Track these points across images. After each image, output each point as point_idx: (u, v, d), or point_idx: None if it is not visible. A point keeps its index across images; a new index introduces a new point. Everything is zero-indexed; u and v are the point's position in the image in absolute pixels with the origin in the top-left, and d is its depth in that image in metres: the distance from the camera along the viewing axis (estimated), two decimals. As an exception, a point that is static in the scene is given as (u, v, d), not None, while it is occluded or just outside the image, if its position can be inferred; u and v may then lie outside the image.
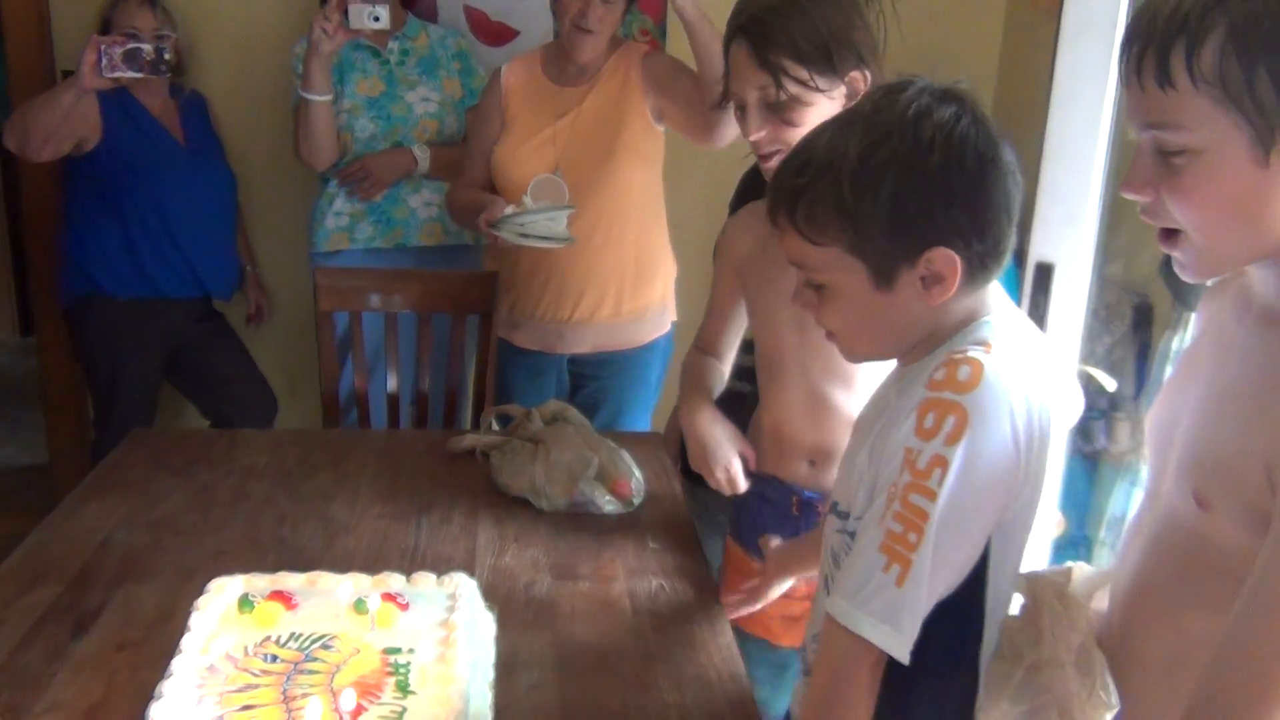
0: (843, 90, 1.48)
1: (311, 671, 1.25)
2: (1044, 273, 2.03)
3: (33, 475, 3.63)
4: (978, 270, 1.06)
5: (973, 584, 1.06)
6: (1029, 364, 1.06)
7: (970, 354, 1.02)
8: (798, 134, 1.45)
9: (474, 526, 1.77)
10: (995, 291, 1.12)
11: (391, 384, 2.46)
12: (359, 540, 1.70)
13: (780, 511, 1.64)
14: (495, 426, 2.09)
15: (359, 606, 1.37)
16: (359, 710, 1.18)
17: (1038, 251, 2.04)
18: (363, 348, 2.45)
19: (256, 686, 1.22)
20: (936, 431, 1.00)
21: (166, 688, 1.19)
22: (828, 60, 1.45)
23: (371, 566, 1.48)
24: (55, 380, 3.30)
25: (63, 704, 1.26)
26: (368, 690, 1.22)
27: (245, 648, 1.29)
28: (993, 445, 1.00)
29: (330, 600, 1.39)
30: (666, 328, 2.56)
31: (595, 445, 1.89)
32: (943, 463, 0.99)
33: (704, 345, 1.79)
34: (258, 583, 1.43)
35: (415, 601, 1.41)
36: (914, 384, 1.07)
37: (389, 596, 1.39)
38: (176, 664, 1.24)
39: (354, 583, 1.43)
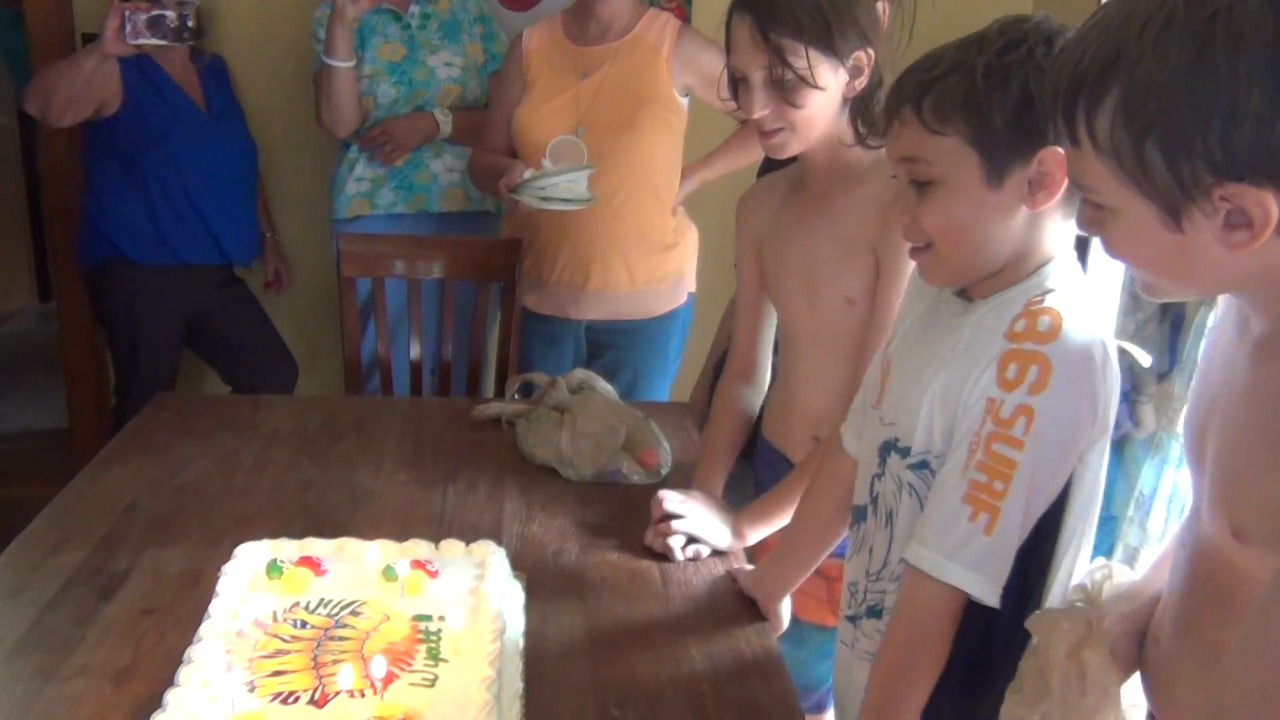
0: (845, 70, 1.45)
1: (342, 638, 1.24)
2: (1081, 245, 1.98)
3: (53, 439, 3.63)
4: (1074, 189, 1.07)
5: (1044, 519, 1.08)
6: (1098, 306, 1.10)
7: (1048, 303, 1.07)
8: (801, 115, 1.43)
9: (500, 495, 1.75)
10: (1069, 244, 1.13)
11: (414, 351, 2.44)
12: (385, 507, 1.68)
13: None
14: (519, 395, 2.07)
15: (388, 573, 1.35)
16: (391, 677, 1.16)
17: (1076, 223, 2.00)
18: (385, 314, 2.43)
19: (287, 652, 1.21)
20: (1020, 381, 1.04)
21: (195, 652, 1.18)
22: (830, 39, 1.42)
23: (399, 533, 1.47)
24: (74, 346, 3.29)
25: (91, 667, 1.25)
26: (399, 657, 1.20)
27: (274, 613, 1.28)
28: (1075, 393, 1.04)
29: (359, 566, 1.38)
30: (684, 299, 2.52)
31: (622, 415, 1.86)
32: (1028, 412, 1.03)
33: (737, 363, 1.75)
34: (285, 548, 1.42)
35: (444, 569, 1.39)
36: (989, 333, 1.09)
37: (418, 563, 1.38)
38: (205, 628, 1.23)
39: (382, 549, 1.41)
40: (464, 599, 1.33)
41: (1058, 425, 1.04)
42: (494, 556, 1.42)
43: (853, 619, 1.30)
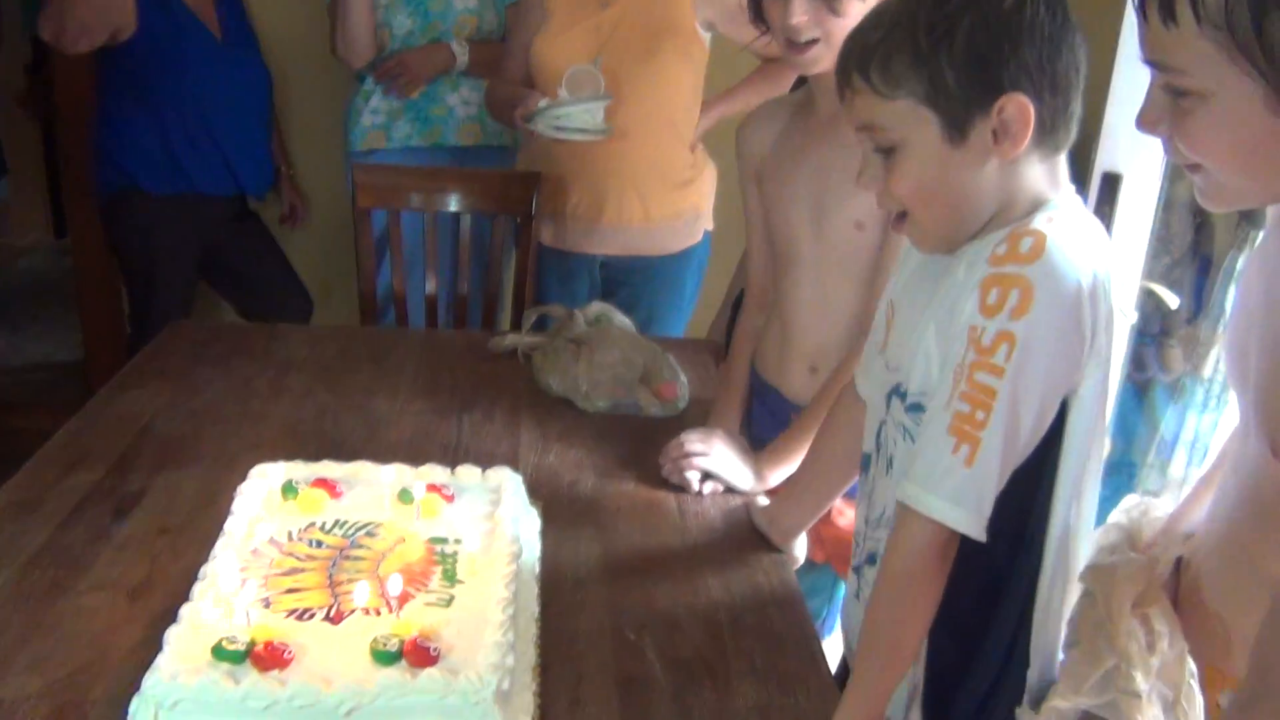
0: None
1: (357, 558, 1.23)
2: (1110, 184, 1.95)
3: (69, 372, 3.64)
4: (1048, 132, 1.03)
5: (1041, 459, 1.04)
6: (1093, 236, 1.04)
7: (1033, 225, 1.01)
8: (840, 25, 1.39)
9: (516, 425, 1.73)
10: (1064, 181, 1.09)
11: (429, 285, 2.42)
12: (401, 435, 1.67)
13: (778, 422, 1.62)
14: (535, 328, 2.05)
15: (404, 496, 1.34)
16: (406, 597, 1.16)
17: (1105, 161, 1.96)
18: (401, 247, 2.40)
19: (302, 571, 1.20)
20: (1001, 307, 0.98)
21: (211, 569, 1.17)
22: None
23: (414, 460, 1.45)
24: (89, 279, 3.29)
25: (106, 583, 1.25)
26: (414, 578, 1.19)
27: (289, 533, 1.27)
28: (1059, 318, 0.99)
29: (374, 489, 1.36)
30: (700, 236, 2.49)
31: (640, 348, 1.84)
32: (1009, 338, 0.98)
33: (754, 295, 1.73)
34: (300, 470, 1.40)
35: (460, 494, 1.38)
36: (978, 259, 1.04)
37: (434, 488, 1.36)
38: (220, 546, 1.22)
39: (398, 473, 1.40)
40: (480, 523, 1.32)
41: (1041, 353, 0.98)
42: (510, 483, 1.41)
43: (856, 569, 1.28)
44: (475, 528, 1.30)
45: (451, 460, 1.47)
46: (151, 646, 1.06)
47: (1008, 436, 0.99)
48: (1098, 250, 1.03)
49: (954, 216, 1.08)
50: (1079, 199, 1.10)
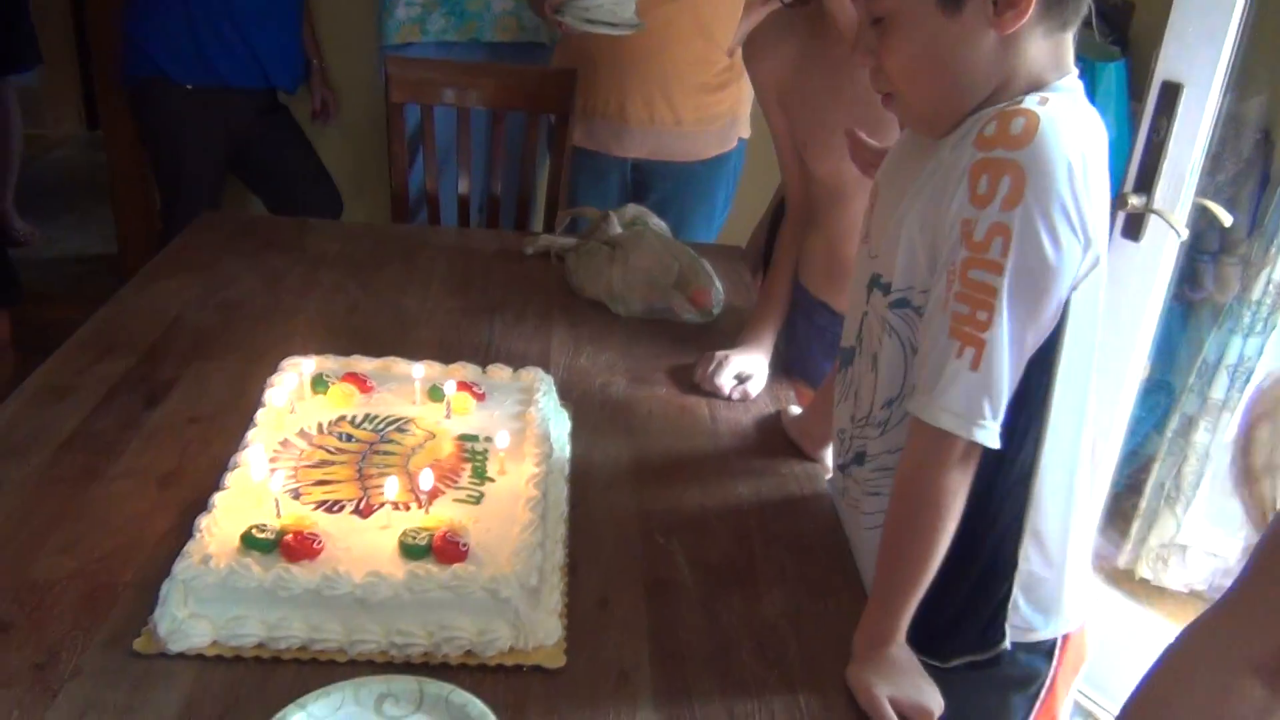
0: None
1: (387, 453, 1.22)
2: (1170, 92, 1.87)
3: (103, 265, 3.65)
4: (1052, 5, 0.96)
5: (1040, 361, 1.00)
6: (1088, 122, 0.97)
7: (1025, 105, 0.94)
8: None
9: (548, 327, 1.71)
10: (1068, 65, 1.01)
11: (462, 184, 2.38)
12: (431, 333, 1.66)
13: (828, 341, 1.57)
14: (568, 229, 2.01)
15: (434, 393, 1.33)
16: (436, 492, 1.15)
17: (1166, 69, 1.87)
18: (434, 143, 2.36)
19: (332, 463, 1.19)
20: (992, 196, 0.92)
21: (241, 458, 1.17)
22: None
23: (445, 358, 1.44)
24: (122, 172, 3.26)
25: (137, 470, 1.25)
26: (445, 474, 1.19)
27: (320, 425, 1.26)
28: (1055, 206, 0.92)
29: (405, 385, 1.35)
30: (735, 144, 2.42)
31: (675, 252, 1.80)
32: (1003, 230, 0.92)
33: (793, 211, 1.66)
34: (331, 364, 1.39)
35: (491, 392, 1.37)
36: (965, 140, 0.97)
37: (464, 385, 1.35)
38: (250, 436, 1.21)
39: (429, 369, 1.38)
40: (510, 422, 1.31)
41: (1038, 244, 0.92)
42: (541, 383, 1.39)
43: (842, 468, 1.24)
44: (506, 426, 1.29)
45: (482, 360, 1.45)
46: (182, 533, 1.06)
47: (1014, 335, 0.94)
48: (1092, 135, 0.96)
49: (946, 95, 1.01)
50: (1080, 84, 1.02)
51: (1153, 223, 1.90)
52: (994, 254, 0.92)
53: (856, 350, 1.18)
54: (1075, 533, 1.12)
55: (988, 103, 1.00)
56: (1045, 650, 1.14)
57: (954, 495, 0.99)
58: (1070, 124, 0.93)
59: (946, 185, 0.98)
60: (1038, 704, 1.16)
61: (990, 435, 0.96)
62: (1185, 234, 1.88)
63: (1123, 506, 2.51)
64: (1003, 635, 1.10)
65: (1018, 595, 1.09)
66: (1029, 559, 1.09)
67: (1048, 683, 1.15)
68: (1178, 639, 0.82)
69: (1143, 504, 2.49)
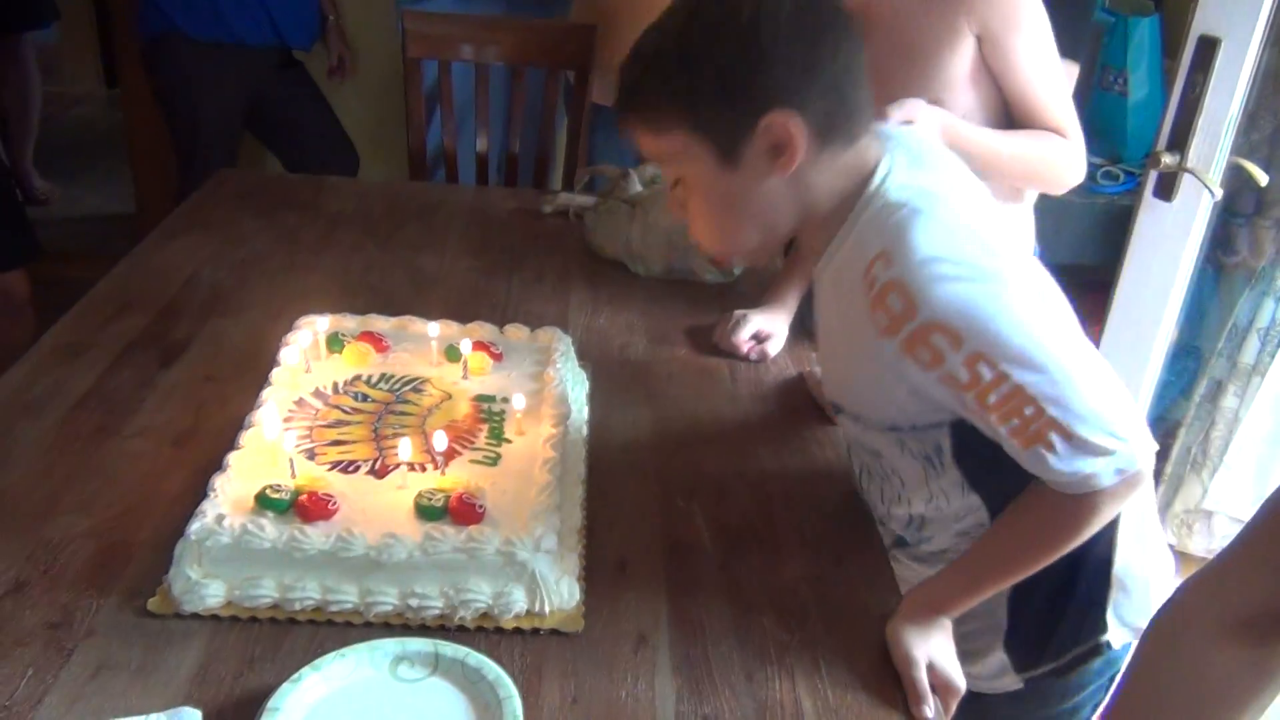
0: None
1: (403, 413, 1.21)
2: (1207, 47, 1.81)
3: (121, 224, 3.64)
4: (828, 131, 0.97)
5: None
6: (922, 189, 0.97)
7: (880, 278, 0.93)
8: None
9: (566, 287, 1.69)
10: (873, 153, 1.01)
11: (480, 141, 2.35)
12: (449, 291, 1.64)
13: None
14: (587, 187, 1.98)
15: (451, 353, 1.31)
16: (452, 453, 1.13)
17: (1203, 23, 1.81)
18: (452, 100, 2.32)
19: (347, 423, 1.18)
20: (939, 358, 0.92)
21: (256, 418, 1.15)
22: None
23: (462, 318, 1.42)
24: (141, 130, 3.25)
25: (152, 429, 1.24)
26: (460, 435, 1.17)
27: (335, 384, 1.25)
28: (984, 286, 0.92)
29: (422, 345, 1.34)
30: None
31: (696, 211, 1.77)
32: (971, 360, 0.91)
33: None
34: (347, 323, 1.38)
35: (508, 353, 1.35)
36: (859, 327, 0.98)
37: (481, 345, 1.33)
38: (266, 396, 1.20)
39: (445, 329, 1.37)
40: (528, 383, 1.29)
41: (986, 310, 0.91)
42: (560, 343, 1.37)
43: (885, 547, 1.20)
44: (523, 387, 1.27)
45: (500, 320, 1.43)
46: (196, 492, 1.05)
47: (1065, 373, 0.91)
48: (931, 198, 0.96)
49: (757, 234, 1.04)
50: (905, 142, 1.03)
51: (1186, 182, 1.86)
52: (986, 375, 0.91)
53: (860, 474, 1.19)
54: (1149, 523, 1.11)
55: (814, 229, 1.03)
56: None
57: (1104, 518, 0.96)
58: (933, 235, 0.93)
59: (876, 369, 1.00)
60: (1112, 689, 1.14)
61: (1130, 454, 0.91)
62: (1219, 193, 1.84)
63: (1148, 472, 2.48)
64: (1104, 627, 1.09)
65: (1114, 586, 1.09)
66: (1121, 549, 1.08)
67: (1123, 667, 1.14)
68: (1168, 601, 0.81)
69: (1168, 469, 2.46)
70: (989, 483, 1.06)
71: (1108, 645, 1.10)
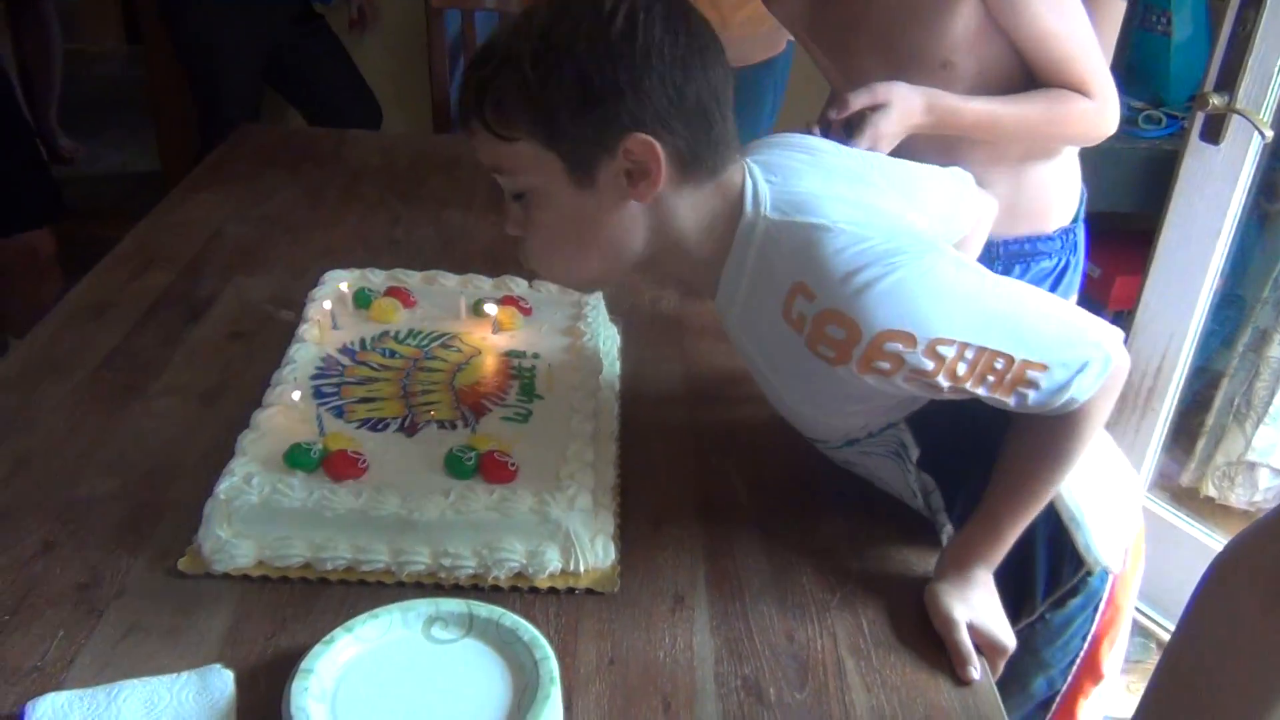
0: None
1: (431, 369, 1.19)
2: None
3: (145, 181, 3.63)
4: (692, 161, 0.91)
5: None
6: (827, 202, 0.92)
7: (807, 312, 0.88)
8: None
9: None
10: (739, 187, 0.94)
11: (505, 93, 2.30)
12: (475, 246, 1.61)
13: None
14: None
15: (479, 308, 1.29)
16: (483, 410, 1.11)
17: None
18: (475, 50, 2.28)
19: (376, 380, 1.16)
20: (895, 365, 0.87)
21: (283, 375, 1.14)
22: None
23: (490, 272, 1.39)
24: (163, 87, 3.23)
25: (178, 387, 1.22)
26: (491, 391, 1.15)
27: (363, 340, 1.23)
28: (913, 281, 0.87)
29: (450, 300, 1.31)
30: (783, 46, 2.31)
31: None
32: (933, 350, 0.86)
33: None
34: (374, 278, 1.35)
35: (538, 307, 1.32)
36: (789, 345, 0.91)
37: (510, 300, 1.31)
38: (293, 352, 1.18)
39: (474, 283, 1.34)
40: (559, 338, 1.26)
41: (937, 302, 0.87)
42: (590, 297, 1.34)
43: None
44: (554, 342, 1.24)
45: (528, 274, 1.40)
46: (225, 451, 1.03)
47: (1023, 311, 0.89)
48: (804, 183, 0.94)
49: (601, 262, 0.97)
50: (759, 158, 0.98)
51: (1235, 124, 1.79)
52: (948, 354, 0.87)
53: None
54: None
55: (672, 254, 0.96)
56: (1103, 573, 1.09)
57: (1099, 421, 0.94)
58: (819, 252, 0.88)
59: (835, 400, 0.97)
60: (1095, 620, 1.11)
61: (1104, 358, 0.89)
62: (1270, 134, 1.78)
63: (1189, 424, 2.43)
64: (1078, 565, 1.05)
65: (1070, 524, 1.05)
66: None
67: (1103, 602, 1.10)
68: (1225, 553, 0.77)
69: (1210, 420, 2.41)
70: (950, 471, 1.05)
71: (1086, 579, 1.06)
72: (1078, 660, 1.11)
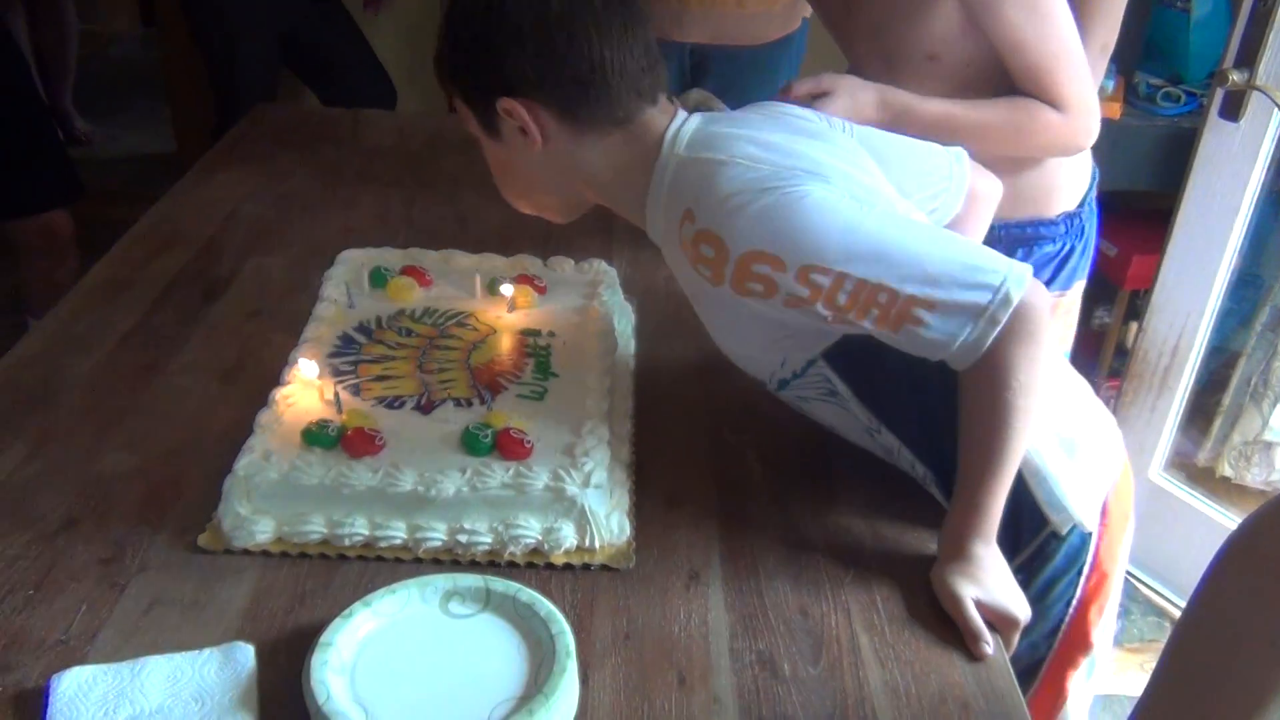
0: None
1: (447, 348, 1.19)
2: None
3: (160, 163, 3.64)
4: (585, 118, 0.99)
5: None
6: (743, 140, 0.96)
7: (685, 234, 0.94)
8: None
9: (609, 220, 1.64)
10: (655, 143, 1.00)
11: (519, 72, 2.30)
12: (490, 226, 1.60)
13: None
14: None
15: (494, 287, 1.29)
16: (498, 387, 1.12)
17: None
18: (489, 30, 2.27)
19: (392, 359, 1.17)
20: (770, 284, 0.91)
21: (301, 353, 1.14)
22: None
23: (505, 251, 1.40)
24: (179, 69, 3.23)
25: (197, 365, 1.23)
26: (507, 369, 1.15)
27: (379, 319, 1.23)
28: (782, 203, 0.91)
29: (465, 279, 1.31)
30: (798, 24, 2.30)
31: (742, 139, 1.72)
32: (805, 274, 0.90)
33: None
34: (390, 257, 1.36)
35: (553, 286, 1.32)
36: (689, 274, 0.98)
37: (525, 278, 1.31)
38: (310, 331, 1.19)
39: (489, 262, 1.34)
40: (573, 316, 1.26)
41: (809, 229, 0.89)
42: (605, 276, 1.34)
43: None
44: (569, 320, 1.25)
45: (543, 253, 1.41)
46: (244, 428, 1.04)
47: (908, 245, 0.90)
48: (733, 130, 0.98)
49: (537, 193, 1.10)
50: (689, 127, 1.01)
51: (1255, 101, 1.78)
52: (823, 282, 0.90)
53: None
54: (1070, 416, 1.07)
55: (604, 192, 1.06)
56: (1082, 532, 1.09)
57: (1027, 368, 0.92)
58: (714, 180, 0.93)
59: (724, 311, 1.02)
60: (1080, 585, 1.10)
61: (1002, 295, 0.88)
62: (1290, 110, 1.76)
63: (1205, 403, 2.42)
64: (1042, 522, 1.05)
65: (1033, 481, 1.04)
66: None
67: (1087, 566, 1.09)
68: (1239, 532, 0.76)
69: (1226, 400, 2.40)
70: (890, 407, 1.06)
71: (1054, 535, 1.05)
72: (1063, 627, 1.11)
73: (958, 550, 0.97)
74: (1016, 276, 0.90)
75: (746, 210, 0.90)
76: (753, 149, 0.95)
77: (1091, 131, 1.33)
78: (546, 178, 1.06)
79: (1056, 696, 1.12)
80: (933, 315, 0.89)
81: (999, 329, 0.89)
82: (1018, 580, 1.00)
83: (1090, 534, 1.07)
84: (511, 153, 1.04)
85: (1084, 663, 1.12)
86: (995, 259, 0.91)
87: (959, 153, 1.17)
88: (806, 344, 1.02)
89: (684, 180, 0.96)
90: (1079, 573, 1.09)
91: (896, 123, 1.27)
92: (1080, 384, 1.14)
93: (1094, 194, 1.49)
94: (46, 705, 0.80)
